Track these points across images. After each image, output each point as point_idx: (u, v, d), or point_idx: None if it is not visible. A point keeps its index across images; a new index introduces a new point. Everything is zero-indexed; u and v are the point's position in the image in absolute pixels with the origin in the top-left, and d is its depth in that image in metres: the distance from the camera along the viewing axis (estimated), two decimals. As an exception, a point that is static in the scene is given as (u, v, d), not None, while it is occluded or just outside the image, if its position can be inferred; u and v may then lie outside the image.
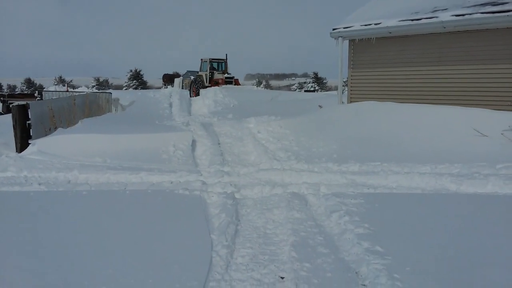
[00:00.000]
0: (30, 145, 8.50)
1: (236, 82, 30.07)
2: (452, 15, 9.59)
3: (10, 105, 10.41)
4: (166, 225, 4.82)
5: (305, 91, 49.40)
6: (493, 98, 9.46)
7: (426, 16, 10.11)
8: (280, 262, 4.04)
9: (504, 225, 4.64)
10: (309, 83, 62.31)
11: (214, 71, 30.44)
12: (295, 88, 63.89)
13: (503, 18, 8.87)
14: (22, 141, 9.00)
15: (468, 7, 9.58)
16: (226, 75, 30.08)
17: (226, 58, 31.61)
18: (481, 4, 9.44)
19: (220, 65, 31.73)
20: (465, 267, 3.71)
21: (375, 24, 11.02)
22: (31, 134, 9.22)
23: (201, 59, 31.32)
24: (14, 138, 9.10)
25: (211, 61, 31.97)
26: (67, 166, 7.34)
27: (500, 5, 9.04)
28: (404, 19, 10.51)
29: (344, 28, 11.70)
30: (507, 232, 4.45)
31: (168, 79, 36.40)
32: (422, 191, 6.02)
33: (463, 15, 9.43)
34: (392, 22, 10.67)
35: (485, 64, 9.69)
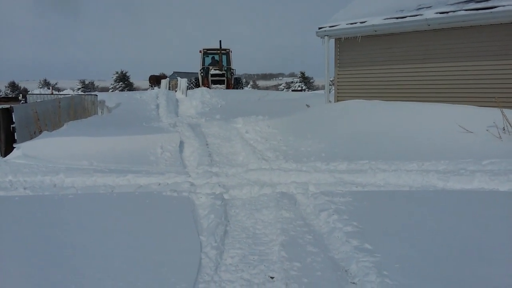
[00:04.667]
0: (15, 149, 8.36)
1: (229, 84, 23.51)
2: (436, 13, 9.68)
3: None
4: (154, 227, 4.77)
5: (292, 90, 49.53)
6: (478, 94, 9.57)
7: (410, 14, 10.19)
8: (270, 262, 4.03)
9: (493, 220, 4.68)
10: (296, 82, 62.47)
11: (210, 68, 23.31)
12: (283, 87, 64.03)
13: (486, 15, 8.97)
14: (7, 145, 8.87)
15: (452, 4, 9.67)
16: (212, 71, 22.79)
17: (220, 46, 23.11)
18: (465, 1, 9.54)
19: (226, 58, 24.15)
20: (455, 263, 3.73)
21: (361, 22, 11.07)
22: (15, 138, 9.09)
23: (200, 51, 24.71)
24: (-2, 142, 8.97)
25: (206, 52, 24.63)
26: (53, 169, 7.24)
27: (484, 2, 9.14)
28: (389, 17, 10.57)
29: (330, 27, 11.74)
30: (497, 227, 4.49)
31: (155, 81, 35.90)
32: (409, 189, 6.06)
33: (447, 12, 9.52)
34: (377, 20, 10.73)
35: (470, 61, 9.79)
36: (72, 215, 5.20)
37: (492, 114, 8.22)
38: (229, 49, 24.58)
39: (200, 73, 24.17)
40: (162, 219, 5.04)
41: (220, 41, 22.82)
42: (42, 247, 4.24)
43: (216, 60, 24.00)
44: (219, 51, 23.32)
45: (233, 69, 24.58)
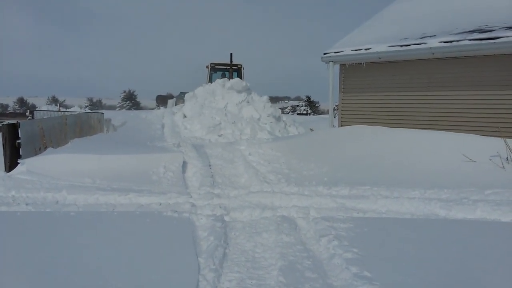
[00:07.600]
0: (19, 164, 8.42)
1: None
2: (440, 42, 9.78)
3: (0, 124, 10.35)
4: (152, 247, 4.76)
5: (297, 114, 49.74)
6: (482, 124, 9.59)
7: (415, 42, 10.31)
8: (268, 287, 4.00)
9: (494, 251, 4.64)
10: (302, 106, 62.75)
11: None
12: (288, 111, 64.25)
13: (490, 45, 9.06)
14: (12, 161, 8.92)
15: (456, 33, 9.79)
16: None
17: (231, 60, 19.62)
18: (469, 31, 9.65)
19: (237, 75, 20.62)
20: (453, 293, 3.69)
21: (365, 49, 11.20)
22: (20, 153, 9.15)
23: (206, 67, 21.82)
24: (3, 157, 9.03)
25: (215, 67, 21.68)
26: (56, 186, 7.27)
27: (488, 33, 9.25)
28: (393, 44, 10.70)
29: (335, 52, 11.89)
30: (497, 258, 4.44)
31: (162, 100, 36.18)
32: (411, 216, 6.03)
33: (451, 41, 9.63)
34: (382, 48, 10.86)
35: (473, 90, 9.85)
36: (72, 232, 5.20)
37: (496, 144, 8.22)
38: (241, 65, 21.57)
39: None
40: (161, 240, 5.03)
41: (231, 54, 19.35)
42: (39, 263, 4.23)
43: (226, 77, 20.35)
44: (229, 67, 20.04)
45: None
